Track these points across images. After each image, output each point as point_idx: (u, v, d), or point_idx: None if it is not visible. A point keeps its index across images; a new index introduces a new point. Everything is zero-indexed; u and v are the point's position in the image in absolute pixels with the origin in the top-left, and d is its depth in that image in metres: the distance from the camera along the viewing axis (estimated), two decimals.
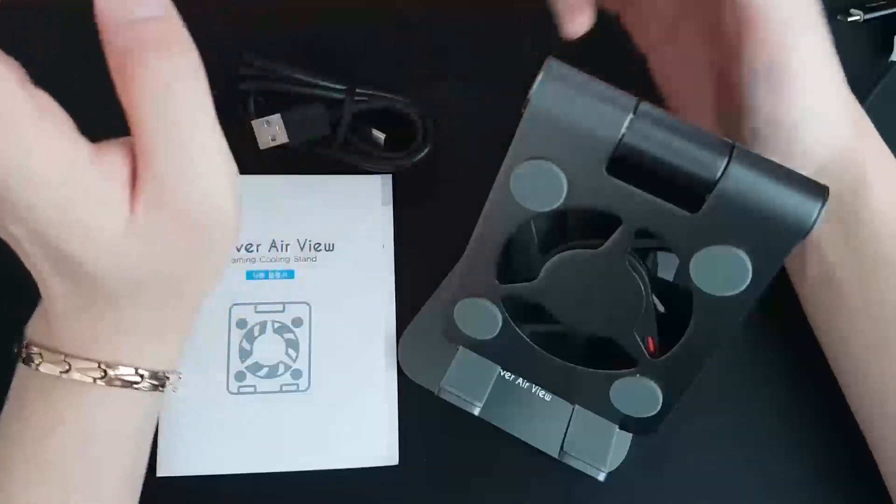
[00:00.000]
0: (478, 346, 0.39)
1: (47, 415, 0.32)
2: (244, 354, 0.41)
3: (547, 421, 0.40)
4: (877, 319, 0.38)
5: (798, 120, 0.36)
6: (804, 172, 0.30)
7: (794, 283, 0.41)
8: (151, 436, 0.36)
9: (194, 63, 0.28)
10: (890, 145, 0.40)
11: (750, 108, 0.37)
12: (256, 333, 0.41)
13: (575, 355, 0.38)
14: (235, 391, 0.40)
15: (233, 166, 0.30)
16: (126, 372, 0.32)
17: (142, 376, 0.32)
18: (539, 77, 0.29)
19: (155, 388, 0.33)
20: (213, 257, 0.31)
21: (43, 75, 0.27)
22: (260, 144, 0.42)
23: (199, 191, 0.28)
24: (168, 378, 0.33)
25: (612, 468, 0.39)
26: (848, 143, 0.38)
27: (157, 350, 0.33)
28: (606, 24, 0.42)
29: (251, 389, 0.40)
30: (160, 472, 0.39)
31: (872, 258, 0.38)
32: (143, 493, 0.39)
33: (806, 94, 0.36)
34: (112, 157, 0.28)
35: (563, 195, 0.31)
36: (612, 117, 0.29)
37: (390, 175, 0.44)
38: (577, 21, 0.37)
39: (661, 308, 0.35)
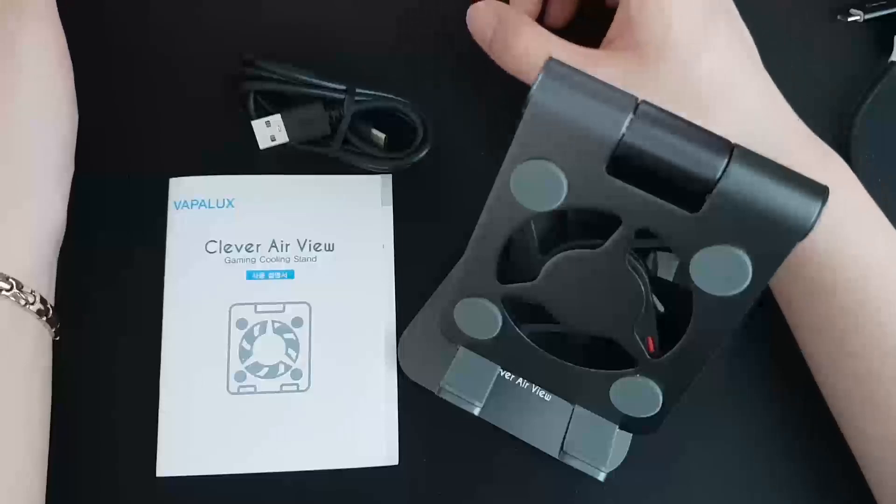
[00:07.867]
0: (478, 346, 0.39)
1: None
2: (244, 354, 0.41)
3: (547, 421, 0.40)
4: (831, 338, 0.37)
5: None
6: None
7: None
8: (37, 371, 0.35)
9: None
10: (890, 146, 0.39)
11: None
12: (256, 333, 0.41)
13: (575, 355, 0.38)
14: (235, 391, 0.40)
15: None
16: None
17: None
18: (539, 77, 0.29)
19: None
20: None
21: None
22: (260, 144, 0.42)
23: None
24: (18, 284, 0.33)
25: (612, 468, 0.39)
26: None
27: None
28: (604, 23, 0.42)
29: (251, 389, 0.40)
30: (160, 472, 0.39)
31: (813, 284, 0.37)
32: (142, 493, 0.39)
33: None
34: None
35: (563, 195, 0.31)
36: (612, 117, 0.29)
37: (390, 175, 0.44)
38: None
39: (661, 308, 0.35)
